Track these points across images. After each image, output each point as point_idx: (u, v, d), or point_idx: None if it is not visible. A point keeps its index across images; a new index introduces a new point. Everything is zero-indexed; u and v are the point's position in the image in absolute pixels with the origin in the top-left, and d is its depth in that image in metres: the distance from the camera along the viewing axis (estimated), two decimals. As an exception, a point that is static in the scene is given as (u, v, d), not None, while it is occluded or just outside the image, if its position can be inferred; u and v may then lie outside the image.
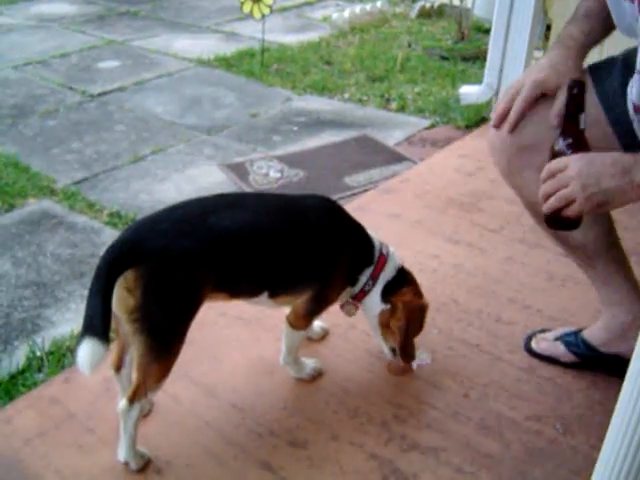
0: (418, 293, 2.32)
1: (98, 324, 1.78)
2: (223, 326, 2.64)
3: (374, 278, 2.25)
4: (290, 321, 2.26)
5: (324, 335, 2.59)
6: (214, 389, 2.34)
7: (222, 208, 2.02)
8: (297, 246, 2.09)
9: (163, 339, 1.90)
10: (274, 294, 2.13)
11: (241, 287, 2.09)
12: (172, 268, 1.86)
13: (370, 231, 2.30)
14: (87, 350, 1.75)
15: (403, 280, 2.31)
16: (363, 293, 2.28)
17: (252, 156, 4.24)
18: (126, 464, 2.02)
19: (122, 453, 2.02)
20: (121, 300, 1.83)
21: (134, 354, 1.91)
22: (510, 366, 2.48)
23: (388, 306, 2.27)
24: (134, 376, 1.93)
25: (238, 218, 2.01)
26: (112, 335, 2.24)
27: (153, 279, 1.83)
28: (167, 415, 2.21)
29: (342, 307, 2.36)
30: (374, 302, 2.28)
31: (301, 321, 2.25)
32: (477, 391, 2.36)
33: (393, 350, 2.36)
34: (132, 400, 1.93)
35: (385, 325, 2.30)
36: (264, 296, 2.11)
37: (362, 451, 2.12)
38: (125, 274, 1.81)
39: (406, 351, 2.29)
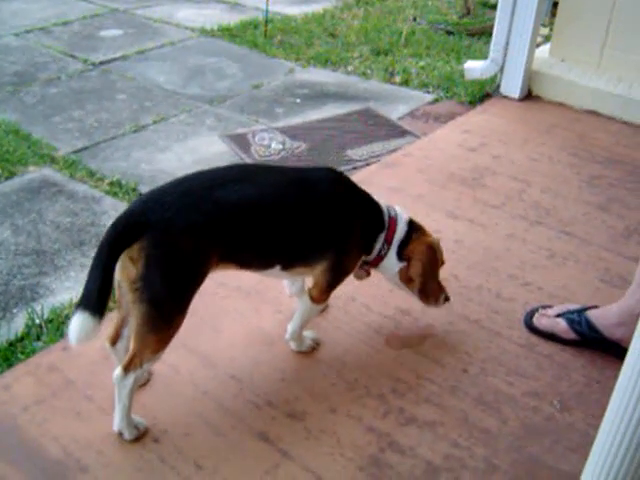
0: (424, 236, 2.34)
1: (93, 298, 1.78)
2: (223, 297, 2.64)
3: (389, 242, 2.27)
4: (313, 295, 2.26)
5: (324, 308, 2.59)
6: (213, 359, 2.34)
7: (230, 181, 2.00)
8: (306, 218, 2.08)
9: (163, 310, 1.89)
10: (287, 266, 2.13)
11: (250, 260, 2.08)
12: (175, 240, 1.86)
13: (376, 197, 2.30)
14: (77, 323, 1.76)
15: (411, 232, 2.33)
16: (380, 258, 2.29)
17: (254, 127, 4.22)
18: (120, 434, 2.03)
19: (116, 422, 2.03)
20: (124, 268, 1.84)
21: (133, 323, 1.90)
22: (509, 342, 2.48)
23: (404, 263, 2.29)
24: (131, 345, 1.93)
25: (245, 192, 1.99)
26: (111, 307, 2.24)
27: (156, 250, 1.83)
28: (165, 384, 2.21)
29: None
30: (392, 263, 2.30)
31: (322, 294, 2.26)
32: (476, 366, 2.37)
33: (426, 297, 2.38)
34: (127, 369, 1.93)
35: (408, 280, 2.33)
36: (277, 269, 2.11)
37: (360, 424, 2.12)
38: (131, 245, 1.81)
39: (424, 292, 2.34)
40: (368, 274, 2.41)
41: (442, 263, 2.39)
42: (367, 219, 2.25)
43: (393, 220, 2.29)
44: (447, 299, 2.43)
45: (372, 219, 2.26)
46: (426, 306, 2.41)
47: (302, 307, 2.31)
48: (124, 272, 1.84)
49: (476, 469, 2.00)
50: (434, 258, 2.34)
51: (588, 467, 1.68)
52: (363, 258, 2.29)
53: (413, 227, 2.34)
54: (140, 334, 1.90)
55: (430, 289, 2.35)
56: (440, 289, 2.39)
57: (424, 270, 2.29)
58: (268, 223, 2.01)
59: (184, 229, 1.87)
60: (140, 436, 2.05)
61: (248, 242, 2.01)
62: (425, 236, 2.34)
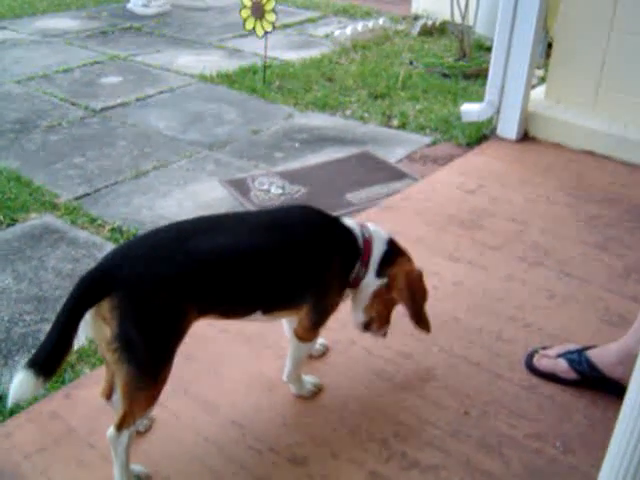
0: (410, 261, 2.33)
1: (42, 357, 1.74)
2: (224, 342, 2.64)
3: (365, 264, 2.24)
4: (298, 334, 2.25)
5: (325, 352, 2.59)
6: (214, 405, 2.34)
7: (201, 231, 1.98)
8: (282, 261, 2.06)
9: (145, 368, 1.86)
10: (268, 310, 2.11)
11: (229, 309, 2.06)
12: (147, 295, 1.82)
13: (347, 220, 2.29)
14: (17, 381, 1.71)
15: (394, 251, 2.31)
16: (358, 279, 2.26)
17: (254, 172, 4.26)
18: None
19: (116, 478, 1.99)
20: (98, 330, 1.81)
21: (117, 383, 1.88)
22: (510, 384, 2.48)
23: (385, 280, 2.26)
24: (120, 404, 1.90)
25: (217, 241, 1.97)
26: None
27: (127, 307, 1.79)
28: (167, 431, 2.21)
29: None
30: (370, 281, 2.26)
31: (308, 333, 2.24)
32: (477, 409, 2.36)
33: (367, 323, 2.35)
34: (120, 428, 1.91)
35: (374, 296, 2.28)
36: (258, 314, 2.09)
37: (362, 469, 2.12)
38: (100, 304, 1.78)
39: (418, 318, 2.31)
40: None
41: (426, 296, 2.36)
42: (344, 252, 2.22)
43: (367, 242, 2.25)
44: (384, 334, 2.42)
45: (348, 250, 2.23)
46: (353, 319, 2.38)
47: (291, 347, 2.30)
48: (99, 333, 1.82)
49: (480, 513, 2.00)
50: (421, 286, 2.32)
51: (591, 510, 1.68)
52: (347, 292, 2.26)
53: (396, 247, 2.32)
54: (126, 393, 1.87)
55: (422, 312, 2.32)
56: (425, 315, 2.35)
57: (413, 295, 2.27)
58: (242, 271, 1.98)
59: (155, 283, 1.83)
60: None
61: (224, 291, 1.98)
62: (409, 262, 2.32)
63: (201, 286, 1.90)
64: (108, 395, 2.10)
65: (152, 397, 1.92)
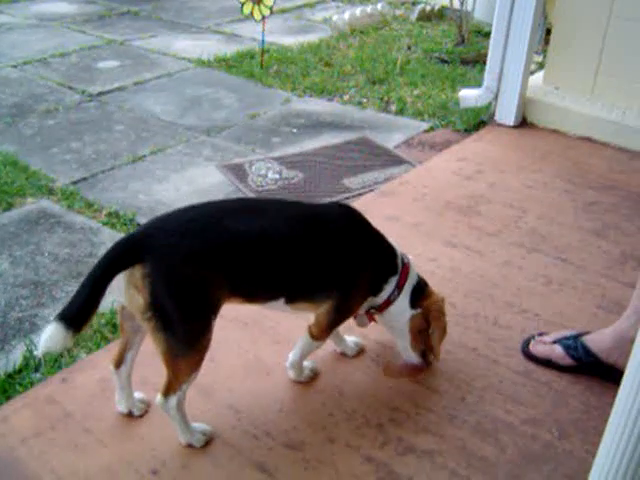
0: (434, 293, 2.35)
1: (73, 311, 1.77)
2: (220, 327, 2.62)
3: (400, 287, 2.26)
4: (312, 332, 2.25)
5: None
6: (210, 390, 2.34)
7: (240, 212, 2.01)
8: (316, 254, 2.06)
9: (180, 335, 1.88)
10: (291, 300, 2.12)
11: (256, 290, 2.06)
12: (178, 265, 1.84)
13: (391, 240, 2.30)
14: (49, 332, 1.74)
15: (425, 284, 2.34)
16: (388, 302, 2.27)
17: (251, 157, 4.25)
18: (190, 446, 2.09)
19: (181, 438, 2.09)
20: (132, 299, 1.84)
21: (157, 350, 1.90)
22: (507, 370, 2.48)
23: (418, 311, 2.28)
24: (165, 370, 1.94)
25: (255, 223, 1.99)
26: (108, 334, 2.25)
27: (159, 276, 1.82)
28: (163, 415, 2.21)
29: (355, 317, 2.36)
30: (402, 309, 2.28)
31: (322, 333, 2.25)
32: (474, 395, 2.37)
33: (423, 352, 2.39)
34: (166, 394, 1.97)
35: (417, 330, 2.31)
36: (281, 302, 2.10)
37: (358, 454, 2.12)
38: (132, 271, 1.81)
39: (437, 352, 2.35)
40: (372, 320, 2.37)
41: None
42: (378, 260, 2.23)
43: (407, 266, 2.28)
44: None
45: (384, 260, 2.24)
46: (406, 359, 2.43)
47: (302, 341, 2.31)
48: (133, 303, 1.85)
49: (475, 498, 2.00)
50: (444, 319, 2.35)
51: (586, 495, 1.68)
52: (369, 301, 2.26)
53: (422, 280, 2.35)
54: (167, 361, 1.92)
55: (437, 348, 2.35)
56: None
57: (444, 330, 2.32)
58: (276, 254, 2.00)
59: (186, 254, 1.85)
60: (209, 440, 2.12)
61: (254, 271, 1.99)
62: (436, 295, 2.34)
63: (232, 262, 1.92)
64: (118, 364, 2.11)
65: (193, 364, 1.96)
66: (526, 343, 2.57)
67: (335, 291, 2.13)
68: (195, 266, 1.86)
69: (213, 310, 1.94)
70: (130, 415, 2.21)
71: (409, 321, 2.30)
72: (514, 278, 3.00)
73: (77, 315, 1.77)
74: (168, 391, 1.97)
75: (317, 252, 2.07)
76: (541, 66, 5.36)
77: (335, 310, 2.16)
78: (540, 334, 2.58)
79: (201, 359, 1.96)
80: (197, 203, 2.02)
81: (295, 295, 2.12)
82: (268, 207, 2.13)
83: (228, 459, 2.09)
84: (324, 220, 2.14)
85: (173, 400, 1.98)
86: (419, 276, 2.34)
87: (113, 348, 2.14)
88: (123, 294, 1.86)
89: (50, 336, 1.74)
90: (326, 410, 2.29)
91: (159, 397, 1.99)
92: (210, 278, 1.90)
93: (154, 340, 1.88)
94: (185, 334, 1.90)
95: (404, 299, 2.27)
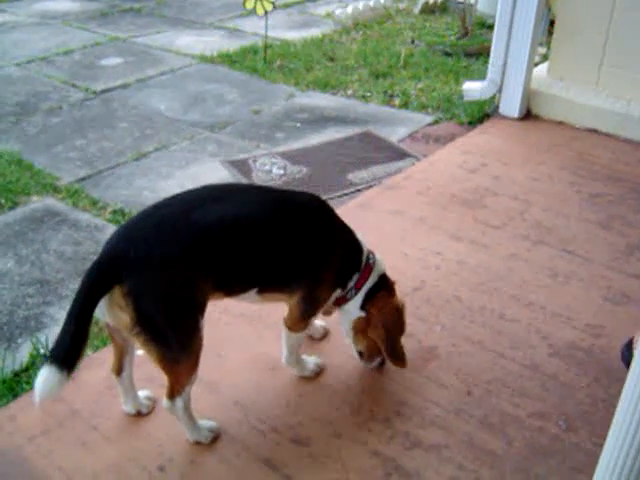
0: (392, 296, 2.30)
1: (62, 351, 1.75)
2: (226, 323, 2.64)
3: (357, 288, 2.24)
4: (287, 324, 2.26)
5: (325, 334, 2.59)
6: (216, 386, 2.34)
7: (207, 201, 1.97)
8: (286, 239, 2.05)
9: (173, 343, 1.88)
10: (263, 289, 2.10)
11: (235, 282, 2.04)
12: (156, 276, 1.82)
13: (359, 235, 2.28)
14: (42, 378, 1.73)
15: (380, 286, 2.28)
16: (344, 299, 2.26)
17: (255, 153, 4.24)
18: (197, 443, 2.11)
19: (189, 435, 2.11)
20: (117, 318, 1.83)
21: (152, 361, 1.90)
22: (513, 363, 2.48)
23: (363, 314, 2.26)
24: (165, 378, 1.96)
25: (225, 211, 1.95)
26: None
27: (140, 292, 1.80)
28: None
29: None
30: (352, 309, 2.27)
31: (297, 324, 2.24)
32: (480, 388, 2.36)
33: (360, 353, 2.37)
34: (171, 397, 1.99)
35: (358, 331, 2.30)
36: (253, 292, 2.08)
37: (365, 448, 2.12)
38: (112, 293, 1.78)
39: (393, 355, 2.28)
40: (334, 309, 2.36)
41: (403, 331, 2.33)
42: (346, 253, 2.22)
43: (369, 267, 2.26)
44: (382, 363, 2.41)
45: (351, 255, 2.23)
46: (362, 362, 2.40)
47: (283, 336, 2.31)
48: (119, 322, 1.83)
49: (482, 492, 2.00)
50: (399, 321, 2.30)
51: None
52: (337, 293, 2.25)
53: (384, 282, 2.30)
54: (164, 369, 1.93)
55: (395, 349, 2.28)
56: (402, 350, 2.32)
57: (387, 334, 2.24)
58: (250, 240, 1.97)
59: (163, 263, 1.82)
60: (216, 437, 2.14)
61: (231, 260, 1.96)
62: (393, 297, 2.30)
63: (209, 257, 1.90)
64: (118, 371, 2.12)
65: (190, 366, 1.96)
66: (627, 349, 2.44)
67: (305, 280, 2.12)
68: (174, 272, 1.84)
69: (200, 311, 1.93)
70: (138, 414, 2.22)
71: (352, 321, 2.29)
72: (520, 271, 2.99)
73: (68, 354, 1.75)
74: (173, 394, 1.98)
75: (289, 237, 2.05)
76: (545, 58, 5.34)
77: (304, 300, 2.16)
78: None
79: (197, 360, 1.96)
80: (159, 201, 1.97)
81: (267, 283, 2.10)
82: (235, 192, 2.11)
83: (235, 455, 2.09)
84: (295, 206, 2.13)
85: (179, 402, 1.99)
86: (386, 276, 2.31)
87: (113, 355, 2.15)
88: (106, 313, 1.84)
89: (45, 381, 1.72)
90: (332, 405, 2.29)
91: (165, 401, 2.00)
92: (191, 279, 1.88)
93: (147, 352, 1.87)
94: (177, 341, 1.89)
95: (358, 299, 2.25)
